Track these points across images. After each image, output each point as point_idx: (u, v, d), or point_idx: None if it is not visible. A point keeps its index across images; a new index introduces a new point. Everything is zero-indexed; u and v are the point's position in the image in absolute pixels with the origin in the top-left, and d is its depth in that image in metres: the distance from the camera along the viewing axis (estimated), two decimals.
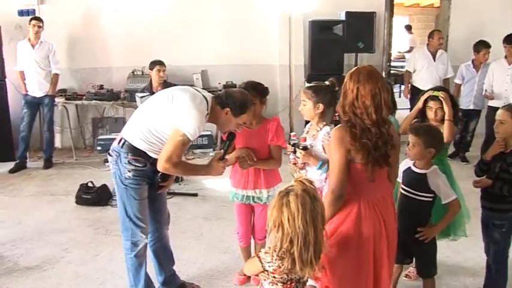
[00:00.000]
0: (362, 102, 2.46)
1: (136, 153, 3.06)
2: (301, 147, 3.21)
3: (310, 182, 2.20)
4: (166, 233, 3.54)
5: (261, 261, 2.22)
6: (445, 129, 3.53)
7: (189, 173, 3.60)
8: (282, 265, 2.15)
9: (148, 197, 3.23)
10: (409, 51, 12.62)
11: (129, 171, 3.07)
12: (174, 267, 3.61)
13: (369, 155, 2.46)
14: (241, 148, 3.46)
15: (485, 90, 6.67)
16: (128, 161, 3.06)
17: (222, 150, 3.23)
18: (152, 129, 3.02)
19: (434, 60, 7.33)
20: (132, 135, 3.09)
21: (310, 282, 2.60)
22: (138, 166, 3.07)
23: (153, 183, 3.22)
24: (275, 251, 2.15)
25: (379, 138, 2.46)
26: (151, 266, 3.47)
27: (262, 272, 2.24)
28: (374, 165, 2.48)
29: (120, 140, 3.11)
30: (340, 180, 2.48)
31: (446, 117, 3.55)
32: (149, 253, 3.41)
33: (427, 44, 7.48)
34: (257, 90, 3.42)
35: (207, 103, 3.03)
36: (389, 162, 2.55)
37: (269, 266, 2.19)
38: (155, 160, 3.04)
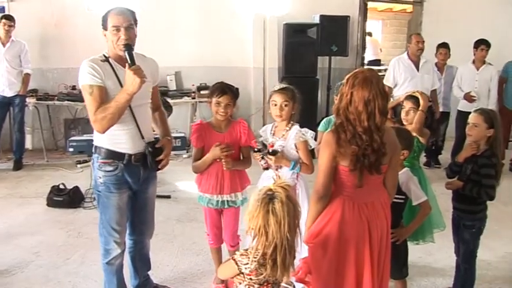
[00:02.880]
0: (355, 107, 2.44)
1: (106, 155, 2.96)
2: (270, 153, 3.23)
3: (289, 187, 2.20)
4: (148, 243, 3.48)
5: (237, 264, 2.21)
6: (415, 118, 3.64)
7: (113, 111, 2.80)
8: (265, 271, 2.15)
9: (132, 207, 3.17)
10: (376, 61, 12.65)
11: (100, 177, 3.00)
12: None
13: (357, 162, 2.45)
14: (213, 148, 3.32)
15: (468, 93, 6.65)
16: (98, 166, 2.99)
17: (129, 63, 2.83)
18: None
19: (418, 70, 6.37)
20: (95, 136, 3.03)
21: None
22: (108, 171, 2.97)
23: (136, 191, 3.14)
24: (256, 256, 2.14)
25: (369, 146, 2.44)
26: (126, 267, 3.41)
27: (238, 274, 2.23)
28: (362, 172, 2.48)
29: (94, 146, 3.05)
30: (324, 182, 2.51)
31: (420, 108, 3.67)
32: (127, 257, 3.36)
33: (407, 52, 6.57)
34: (233, 92, 3.37)
35: (104, 54, 2.95)
36: (380, 170, 2.52)
37: (245, 268, 2.18)
38: (130, 160, 2.97)
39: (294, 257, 2.17)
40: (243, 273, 2.20)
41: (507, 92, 6.97)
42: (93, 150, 3.04)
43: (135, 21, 2.97)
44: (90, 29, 7.45)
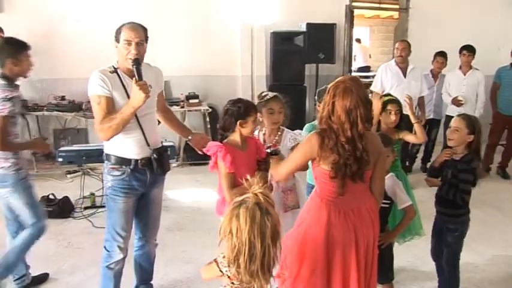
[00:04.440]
0: (337, 117, 2.46)
1: (115, 161, 3.09)
2: (272, 153, 3.26)
3: (266, 195, 2.19)
4: (152, 249, 3.57)
5: (218, 266, 2.23)
6: (418, 130, 3.76)
7: (117, 122, 2.89)
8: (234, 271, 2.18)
9: (137, 210, 3.28)
10: (366, 67, 12.74)
11: (108, 182, 3.12)
12: None
13: (339, 171, 2.48)
14: (257, 173, 3.02)
15: (456, 97, 6.70)
16: (108, 171, 3.12)
17: (136, 78, 2.90)
18: None
19: (405, 76, 6.35)
20: (105, 144, 3.14)
21: None
22: (116, 175, 3.09)
23: (143, 194, 3.25)
24: (228, 258, 2.17)
25: (351, 155, 2.46)
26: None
27: (221, 276, 2.25)
28: (344, 181, 2.50)
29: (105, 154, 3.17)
30: (289, 173, 2.82)
31: (413, 120, 3.78)
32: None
33: (394, 59, 6.55)
34: (254, 108, 3.15)
35: (113, 65, 3.05)
36: (363, 178, 2.54)
37: (226, 271, 2.21)
38: (136, 165, 3.08)
39: (266, 267, 2.16)
40: (229, 276, 2.22)
41: (501, 97, 7.00)
42: (104, 158, 3.16)
43: (146, 38, 3.09)
44: (79, 39, 7.57)
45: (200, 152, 3.33)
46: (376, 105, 3.78)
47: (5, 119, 3.30)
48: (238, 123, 3.01)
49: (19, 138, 3.52)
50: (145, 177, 3.17)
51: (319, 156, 2.51)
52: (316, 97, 3.78)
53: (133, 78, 2.88)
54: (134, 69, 2.90)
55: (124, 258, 3.28)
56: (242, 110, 3.01)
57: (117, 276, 3.31)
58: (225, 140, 3.09)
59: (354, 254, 2.60)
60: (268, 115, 3.38)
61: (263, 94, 3.48)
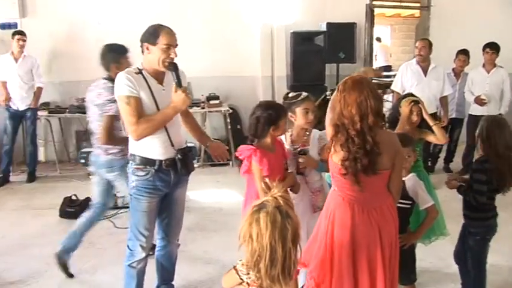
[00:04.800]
0: (348, 111, 2.46)
1: (140, 162, 3.12)
2: (300, 153, 3.26)
3: (286, 198, 2.17)
4: (174, 249, 3.60)
5: (238, 273, 2.21)
6: (437, 132, 3.71)
7: (157, 123, 3.04)
8: (253, 277, 2.15)
9: (160, 209, 3.32)
10: (386, 67, 12.62)
11: (133, 181, 3.16)
12: None
13: (349, 167, 2.47)
14: (288, 174, 3.15)
15: (478, 96, 6.57)
16: (132, 171, 3.15)
17: (176, 82, 3.06)
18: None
19: (425, 75, 6.23)
20: (130, 144, 3.19)
21: None
22: (140, 175, 3.12)
23: (166, 194, 3.28)
24: (247, 264, 2.15)
25: (361, 148, 2.45)
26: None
27: (241, 283, 2.24)
28: (357, 175, 2.48)
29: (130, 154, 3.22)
30: None
31: (430, 122, 3.73)
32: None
33: (415, 58, 6.41)
34: (284, 111, 3.17)
35: (138, 67, 3.10)
36: (375, 170, 2.51)
37: (247, 278, 2.19)
38: (160, 165, 3.11)
39: (286, 271, 2.13)
40: (248, 283, 2.20)
41: None
42: (129, 158, 3.20)
43: None
44: (101, 42, 7.62)
45: (216, 160, 3.49)
46: (404, 111, 3.74)
47: (111, 118, 3.76)
48: (271, 129, 3.03)
49: (123, 131, 3.81)
50: (169, 178, 3.20)
51: (333, 146, 2.54)
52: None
53: (174, 82, 3.02)
54: (173, 74, 3.03)
55: (146, 257, 3.32)
56: (274, 116, 3.02)
57: (140, 275, 3.34)
58: (255, 143, 3.07)
59: (379, 253, 2.58)
60: (303, 115, 3.30)
61: (296, 94, 3.40)
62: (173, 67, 3.05)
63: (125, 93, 2.97)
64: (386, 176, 2.61)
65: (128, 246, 3.30)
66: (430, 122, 3.84)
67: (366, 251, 2.57)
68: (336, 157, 2.55)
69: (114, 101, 3.47)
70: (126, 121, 3.02)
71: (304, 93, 3.38)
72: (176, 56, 3.07)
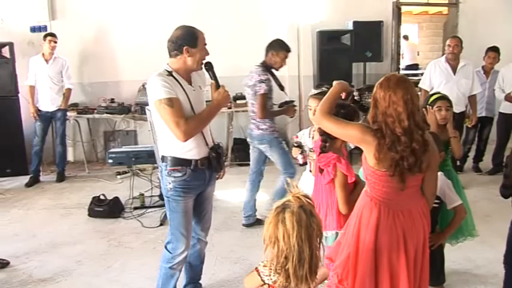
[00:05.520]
0: (394, 109, 2.41)
1: (175, 163, 3.13)
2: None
3: (307, 197, 2.16)
4: (203, 246, 3.60)
5: (259, 275, 2.20)
6: (454, 146, 3.58)
7: (204, 121, 3.12)
8: (278, 280, 2.14)
9: (193, 206, 3.32)
10: (414, 65, 12.45)
11: (169, 183, 3.15)
12: None
13: (397, 167, 2.42)
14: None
15: (509, 93, 6.41)
16: (167, 173, 3.15)
17: (213, 82, 3.21)
18: (159, 130, 3.15)
19: (455, 73, 6.12)
20: (162, 147, 3.21)
21: None
22: (177, 176, 3.13)
23: (199, 193, 3.30)
24: (272, 265, 2.13)
25: (408, 147, 2.39)
26: None
27: (262, 285, 2.23)
28: (403, 175, 2.44)
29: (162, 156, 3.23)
30: (325, 117, 2.62)
31: (450, 133, 3.59)
32: None
33: (445, 55, 6.31)
34: (357, 112, 3.17)
35: (166, 69, 3.09)
36: (421, 168, 2.46)
37: (268, 280, 2.18)
38: (196, 165, 3.13)
39: (313, 269, 2.12)
40: (269, 285, 2.19)
41: None
42: (161, 160, 3.22)
43: None
44: (127, 43, 7.75)
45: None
46: (431, 118, 3.64)
47: (264, 96, 4.62)
48: None
49: (272, 108, 4.85)
50: (204, 176, 3.23)
51: (377, 159, 2.44)
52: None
53: (213, 81, 3.17)
54: (210, 73, 3.19)
55: (186, 257, 3.32)
56: (348, 116, 2.93)
57: (176, 274, 3.35)
58: (332, 150, 3.03)
59: (403, 258, 2.53)
60: None
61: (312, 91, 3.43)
62: (209, 66, 3.15)
63: (166, 96, 2.94)
64: (422, 177, 2.56)
65: (166, 248, 3.29)
66: (450, 133, 3.71)
67: (387, 257, 2.53)
68: (380, 167, 2.46)
69: (263, 82, 4.45)
70: (173, 122, 2.95)
71: (316, 91, 3.39)
72: (208, 54, 3.13)
